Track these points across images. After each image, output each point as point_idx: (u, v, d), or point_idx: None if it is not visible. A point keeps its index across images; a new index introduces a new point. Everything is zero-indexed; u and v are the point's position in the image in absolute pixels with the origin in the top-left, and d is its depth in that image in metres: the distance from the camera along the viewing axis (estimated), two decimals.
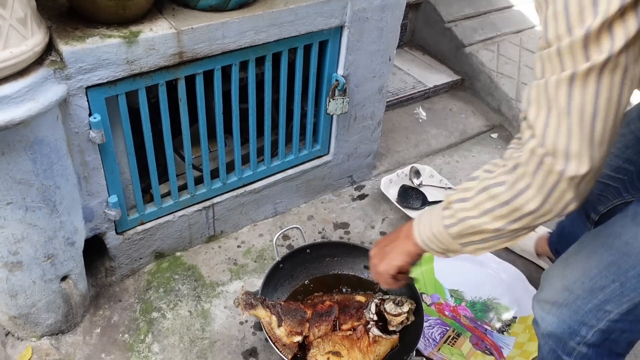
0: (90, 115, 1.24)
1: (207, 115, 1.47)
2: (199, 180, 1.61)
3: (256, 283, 1.61)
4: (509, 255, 1.73)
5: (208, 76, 1.41)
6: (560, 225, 1.55)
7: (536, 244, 1.67)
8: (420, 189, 1.99)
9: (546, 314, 1.02)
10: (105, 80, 1.22)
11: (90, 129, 1.26)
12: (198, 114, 1.46)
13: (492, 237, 0.85)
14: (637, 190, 1.23)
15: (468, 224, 0.85)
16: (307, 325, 1.30)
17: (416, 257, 1.00)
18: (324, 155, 1.86)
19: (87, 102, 1.23)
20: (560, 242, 1.55)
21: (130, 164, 1.41)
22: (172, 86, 1.37)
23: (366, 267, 1.50)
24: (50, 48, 1.16)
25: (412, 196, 1.92)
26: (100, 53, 1.18)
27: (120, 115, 1.32)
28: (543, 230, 1.67)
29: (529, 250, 1.70)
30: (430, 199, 1.93)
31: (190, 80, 1.38)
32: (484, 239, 0.86)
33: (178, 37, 1.26)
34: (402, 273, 1.05)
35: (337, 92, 1.65)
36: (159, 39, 1.24)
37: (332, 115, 1.74)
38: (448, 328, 1.48)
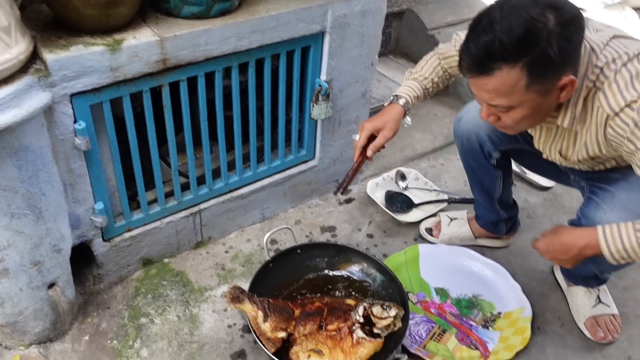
0: (75, 122, 1.26)
1: (193, 122, 1.50)
2: (185, 187, 1.63)
3: (244, 287, 1.61)
4: (493, 252, 1.76)
5: (192, 84, 1.44)
6: (477, 200, 1.74)
7: (471, 230, 1.79)
8: (406, 192, 2.01)
9: None
10: (89, 88, 1.24)
11: (76, 135, 1.27)
12: (183, 121, 1.48)
13: None
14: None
15: None
16: (293, 322, 1.31)
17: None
18: (310, 160, 1.88)
19: (71, 109, 1.24)
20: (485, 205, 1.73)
21: (116, 170, 1.43)
22: (157, 94, 1.39)
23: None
24: (34, 57, 1.18)
25: (398, 199, 1.95)
26: (84, 60, 1.20)
27: (106, 122, 1.33)
28: (465, 216, 1.83)
29: (468, 236, 1.79)
30: (416, 202, 1.96)
31: (174, 87, 1.40)
32: None
33: (161, 45, 1.29)
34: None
35: (320, 97, 1.68)
36: (142, 46, 1.27)
37: (316, 120, 1.77)
38: (434, 325, 1.50)
